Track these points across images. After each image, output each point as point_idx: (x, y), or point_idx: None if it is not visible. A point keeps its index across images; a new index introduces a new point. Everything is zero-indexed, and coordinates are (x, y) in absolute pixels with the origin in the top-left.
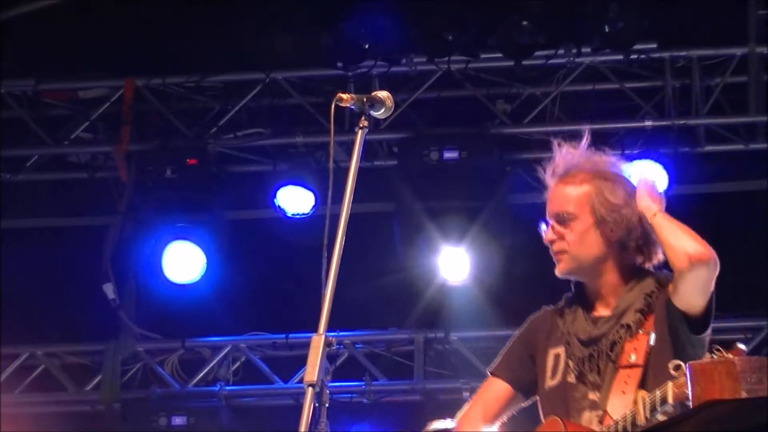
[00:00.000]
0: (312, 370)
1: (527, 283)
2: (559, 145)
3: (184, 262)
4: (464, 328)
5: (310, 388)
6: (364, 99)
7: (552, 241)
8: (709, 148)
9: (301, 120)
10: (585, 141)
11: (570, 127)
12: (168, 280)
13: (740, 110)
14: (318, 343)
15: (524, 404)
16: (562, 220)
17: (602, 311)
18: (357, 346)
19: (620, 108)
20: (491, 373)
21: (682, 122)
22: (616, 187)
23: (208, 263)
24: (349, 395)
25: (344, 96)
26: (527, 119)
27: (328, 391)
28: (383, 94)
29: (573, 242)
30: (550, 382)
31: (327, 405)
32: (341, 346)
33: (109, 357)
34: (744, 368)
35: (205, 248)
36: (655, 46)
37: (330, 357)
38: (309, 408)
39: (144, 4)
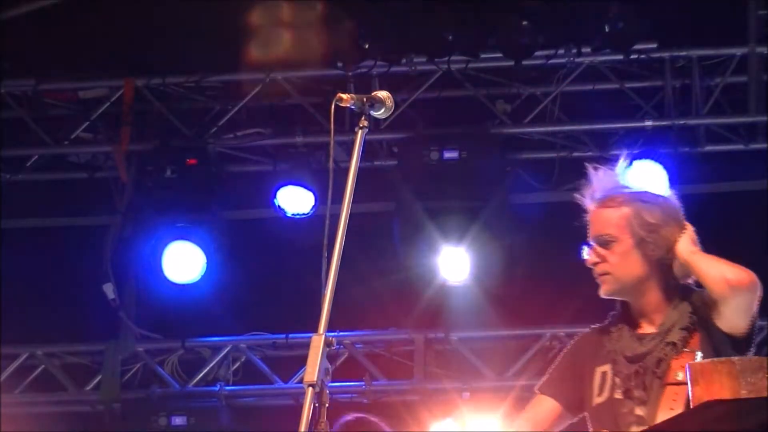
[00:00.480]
0: (312, 370)
1: (527, 283)
2: (595, 168)
3: (184, 262)
4: (464, 328)
5: (310, 388)
6: (364, 99)
7: (595, 264)
8: (709, 148)
9: (301, 120)
10: (622, 163)
11: (570, 127)
12: (168, 280)
13: (740, 110)
14: (318, 343)
15: (572, 421)
16: (604, 242)
17: (647, 329)
18: (357, 346)
19: (620, 108)
20: (539, 391)
21: (682, 122)
22: (653, 208)
23: (208, 263)
24: (349, 395)
25: (344, 96)
26: (527, 119)
27: (328, 391)
28: (383, 94)
29: (615, 264)
30: (598, 399)
31: (327, 405)
32: (341, 346)
33: (109, 357)
34: (744, 368)
35: (205, 248)
36: (655, 46)
37: (330, 357)
38: (309, 408)
39: (144, 4)
